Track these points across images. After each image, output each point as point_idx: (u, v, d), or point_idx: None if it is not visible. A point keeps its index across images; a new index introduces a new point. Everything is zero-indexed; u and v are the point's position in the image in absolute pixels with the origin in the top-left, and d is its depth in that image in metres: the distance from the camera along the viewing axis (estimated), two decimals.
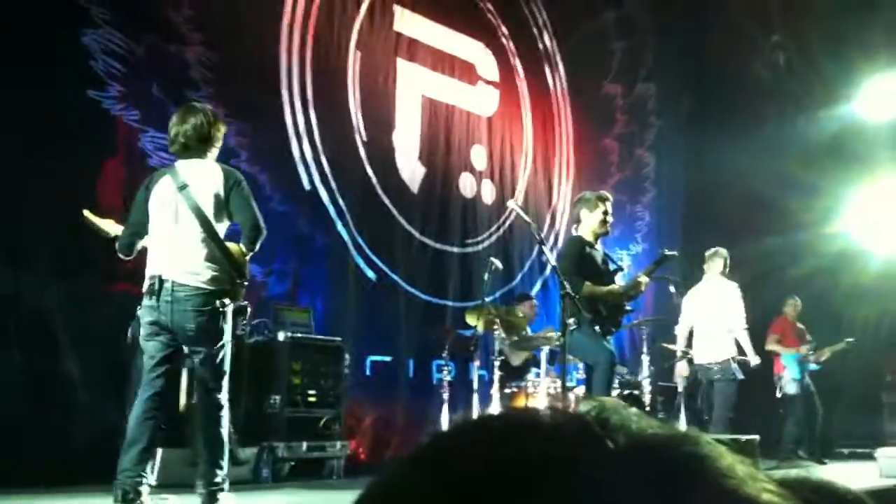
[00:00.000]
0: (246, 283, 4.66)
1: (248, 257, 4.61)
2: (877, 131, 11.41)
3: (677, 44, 12.47)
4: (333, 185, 7.97)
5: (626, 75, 11.85)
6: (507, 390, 7.67)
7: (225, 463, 4.45)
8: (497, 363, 7.69)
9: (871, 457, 8.12)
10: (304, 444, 6.39)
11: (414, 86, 9.03)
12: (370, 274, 8.20)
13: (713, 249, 8.51)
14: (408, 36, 9.03)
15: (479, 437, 0.53)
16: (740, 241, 10.79)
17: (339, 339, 7.08)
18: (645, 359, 8.22)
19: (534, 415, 0.53)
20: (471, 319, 7.67)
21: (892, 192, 11.38)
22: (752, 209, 11.35)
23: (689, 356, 8.46)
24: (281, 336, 6.43)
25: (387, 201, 8.46)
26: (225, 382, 4.51)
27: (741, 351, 8.15)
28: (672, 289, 8.58)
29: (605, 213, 6.35)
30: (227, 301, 4.45)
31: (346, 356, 7.01)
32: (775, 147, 11.36)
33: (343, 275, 7.98)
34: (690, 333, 8.26)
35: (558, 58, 10.84)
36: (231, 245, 4.54)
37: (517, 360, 8.09)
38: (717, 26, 12.03)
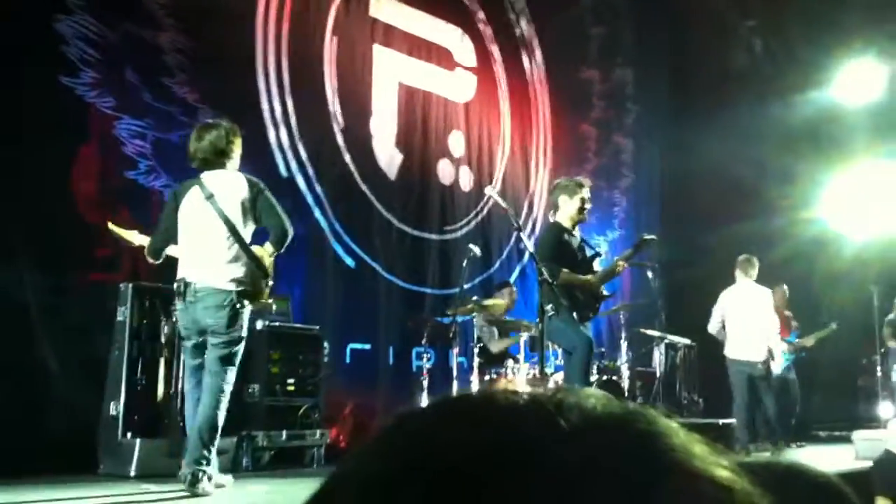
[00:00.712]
0: (271, 283, 5.05)
1: (272, 258, 4.99)
2: (854, 116, 11.47)
3: (655, 29, 12.48)
4: (311, 172, 7.93)
5: (604, 61, 11.84)
6: (487, 377, 7.68)
7: (214, 446, 4.70)
8: (476, 350, 7.70)
9: (847, 439, 8.20)
10: (284, 433, 6.37)
11: (391, 72, 8.98)
12: (348, 261, 8.17)
13: (745, 256, 8.86)
14: (384, 22, 8.97)
15: (435, 420, 0.54)
16: (718, 227, 10.86)
17: (317, 327, 7.06)
18: (623, 344, 8.26)
19: (491, 396, 0.54)
20: (450, 311, 7.67)
21: (868, 176, 11.45)
22: (729, 194, 11.39)
23: (665, 340, 8.60)
24: (259, 325, 6.39)
25: (364, 188, 8.42)
26: (232, 373, 4.82)
27: None
28: (650, 274, 8.62)
29: (584, 199, 6.34)
30: (246, 300, 4.82)
31: (325, 344, 6.99)
32: (753, 132, 11.42)
33: (321, 262, 7.95)
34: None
35: (535, 43, 10.81)
36: (256, 248, 4.91)
37: (496, 347, 8.09)
38: (695, 11, 12.03)
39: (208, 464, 4.63)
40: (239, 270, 4.81)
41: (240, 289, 4.80)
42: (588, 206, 6.41)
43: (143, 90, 6.61)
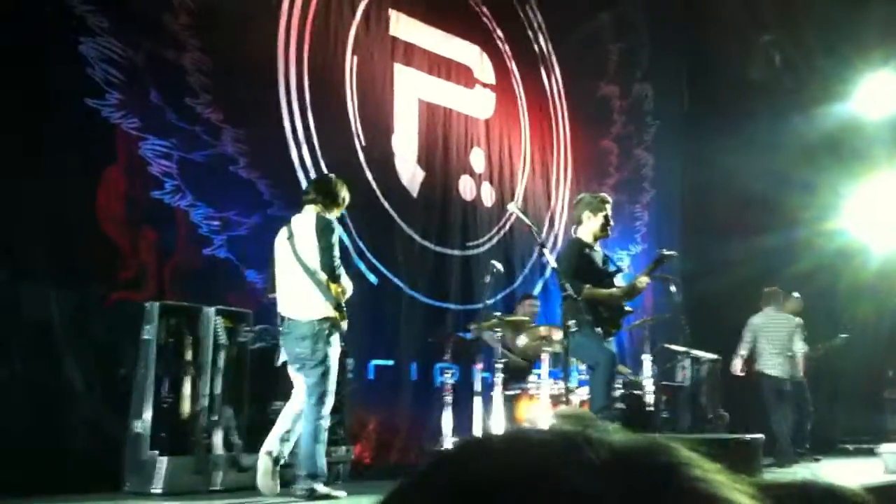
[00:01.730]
0: (342, 310, 5.56)
1: (342, 290, 5.56)
2: (874, 128, 11.43)
3: (673, 43, 12.49)
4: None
5: (623, 76, 11.86)
6: (510, 392, 7.66)
7: (316, 476, 5.32)
8: (500, 366, 7.68)
9: (873, 453, 8.14)
10: None
11: (411, 90, 9.02)
12: (371, 278, 8.19)
13: (772, 288, 9.63)
14: (403, 40, 9.03)
15: (471, 460, 0.57)
16: (739, 239, 10.84)
17: (341, 343, 7.07)
18: (646, 358, 8.22)
19: (522, 435, 0.58)
20: (473, 328, 7.68)
21: (891, 188, 11.40)
22: (750, 207, 11.38)
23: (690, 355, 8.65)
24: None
25: (387, 205, 8.45)
26: (322, 402, 5.38)
27: None
28: (672, 288, 8.59)
29: (607, 216, 6.35)
30: (325, 327, 5.39)
31: (349, 361, 7.00)
32: (773, 145, 11.39)
33: None
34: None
35: (554, 59, 10.84)
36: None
37: (522, 342, 8.04)
38: (714, 25, 12.03)
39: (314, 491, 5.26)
40: (316, 303, 5.40)
41: (320, 317, 5.39)
42: (611, 223, 6.41)
43: (167, 110, 6.67)
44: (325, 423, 5.39)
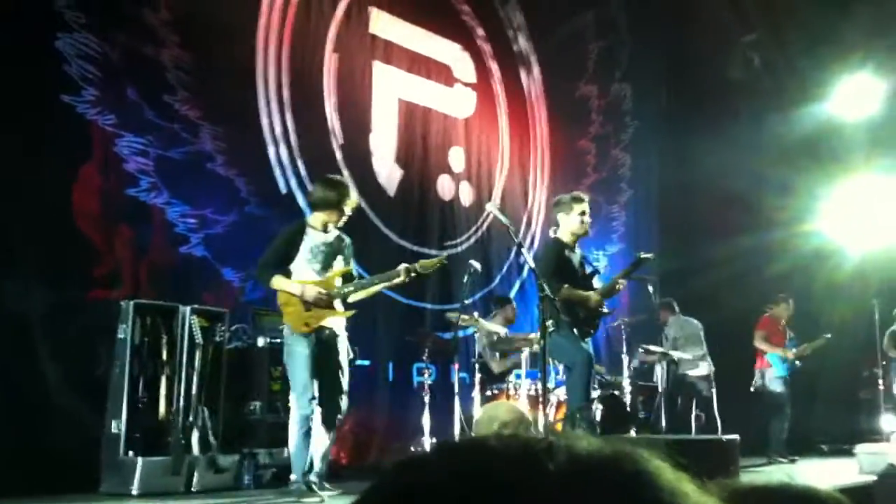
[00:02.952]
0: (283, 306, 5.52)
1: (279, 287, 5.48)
2: (852, 130, 11.51)
3: (653, 44, 12.50)
4: (311, 188, 7.92)
5: (602, 76, 11.87)
6: (489, 393, 7.67)
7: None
8: (478, 366, 7.68)
9: (849, 453, 8.19)
10: (286, 451, 6.33)
11: (390, 88, 8.99)
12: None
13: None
14: (383, 38, 8.99)
15: (430, 467, 0.58)
16: (717, 240, 10.87)
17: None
18: (624, 359, 8.25)
19: (484, 442, 0.58)
20: (452, 316, 7.66)
21: (867, 189, 11.48)
22: (728, 208, 11.42)
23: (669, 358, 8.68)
24: (260, 342, 6.38)
25: (364, 204, 8.40)
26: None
27: None
28: (650, 288, 8.63)
29: (583, 213, 6.35)
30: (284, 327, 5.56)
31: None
32: (751, 146, 11.45)
33: None
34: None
35: (534, 59, 10.84)
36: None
37: (498, 367, 8.06)
38: (693, 26, 12.07)
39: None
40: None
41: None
42: (588, 219, 6.41)
43: (144, 107, 6.62)
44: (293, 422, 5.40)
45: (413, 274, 5.53)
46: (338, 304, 5.52)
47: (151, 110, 6.68)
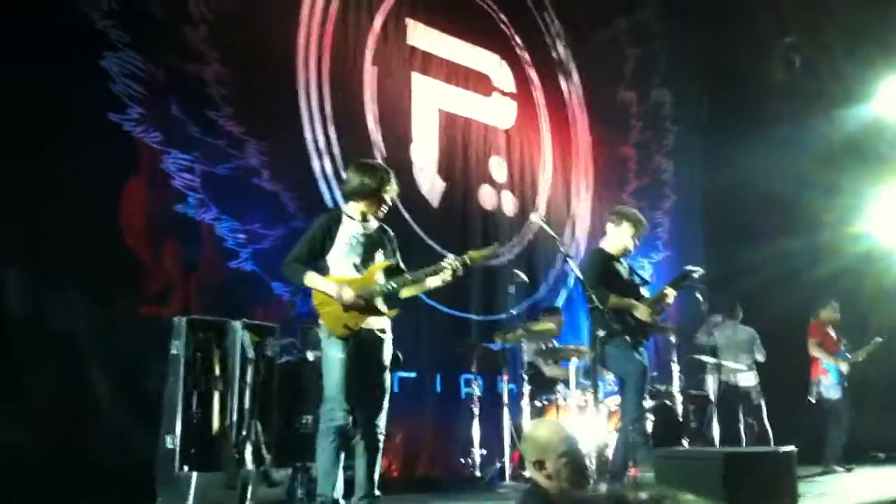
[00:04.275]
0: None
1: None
2: None
3: (692, 48, 12.39)
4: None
5: (641, 81, 11.79)
6: (538, 404, 7.60)
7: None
8: (526, 377, 7.61)
9: None
10: None
11: (430, 99, 8.99)
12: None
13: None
14: (421, 49, 9.00)
15: None
16: (762, 244, 10.73)
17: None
18: (675, 368, 8.14)
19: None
20: (498, 337, 7.62)
21: None
22: (773, 211, 11.28)
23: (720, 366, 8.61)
24: (310, 356, 6.35)
25: (406, 216, 8.39)
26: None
27: None
28: (698, 296, 8.50)
29: (635, 237, 6.28)
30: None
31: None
32: (794, 148, 11.27)
33: None
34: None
35: (572, 66, 10.79)
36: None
37: (550, 372, 8.00)
38: (733, 28, 11.94)
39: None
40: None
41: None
42: (637, 242, 6.36)
43: (189, 124, 6.66)
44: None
45: (464, 265, 4.93)
46: (380, 302, 4.94)
47: (196, 126, 6.72)
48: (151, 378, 5.79)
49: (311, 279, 4.84)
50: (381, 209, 5.07)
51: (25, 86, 5.61)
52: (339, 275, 4.88)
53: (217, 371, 5.65)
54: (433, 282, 5.00)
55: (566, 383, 7.66)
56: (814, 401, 9.31)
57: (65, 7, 6.07)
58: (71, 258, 5.80)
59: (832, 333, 9.56)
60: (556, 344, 8.14)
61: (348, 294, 4.77)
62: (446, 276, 4.94)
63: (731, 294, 10.16)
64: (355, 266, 4.91)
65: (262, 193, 7.11)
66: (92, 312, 5.82)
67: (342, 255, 4.91)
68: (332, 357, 4.80)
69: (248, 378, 5.65)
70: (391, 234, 5.19)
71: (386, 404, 4.95)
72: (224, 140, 6.90)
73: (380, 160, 8.11)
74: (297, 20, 7.77)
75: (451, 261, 4.91)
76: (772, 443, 8.74)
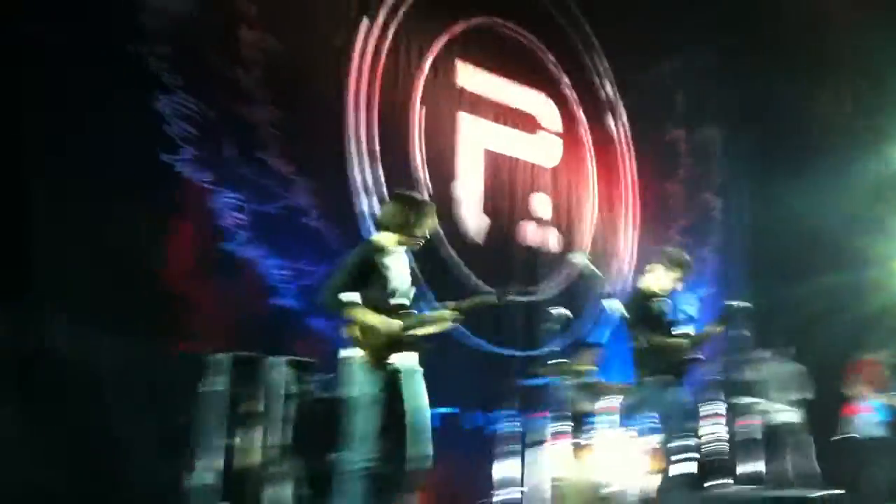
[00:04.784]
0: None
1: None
2: None
3: (741, 86, 12.36)
4: None
5: (690, 119, 11.79)
6: (578, 441, 7.58)
7: None
8: (568, 414, 7.61)
9: None
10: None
11: (477, 138, 9.11)
12: None
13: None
14: (469, 90, 9.13)
15: None
16: (809, 280, 10.63)
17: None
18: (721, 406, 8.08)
19: None
20: (539, 373, 7.63)
21: None
22: (819, 248, 11.14)
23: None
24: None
25: (452, 253, 8.49)
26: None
27: None
28: (746, 333, 8.41)
29: (680, 280, 6.27)
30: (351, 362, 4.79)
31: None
32: (842, 185, 11.16)
33: None
34: None
35: (620, 105, 10.84)
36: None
37: (587, 406, 7.97)
38: (781, 63, 11.90)
39: None
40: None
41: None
42: (681, 286, 6.35)
43: (239, 164, 6.83)
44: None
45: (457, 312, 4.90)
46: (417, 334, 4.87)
47: (246, 166, 6.88)
48: (184, 414, 5.83)
49: (355, 310, 4.69)
50: (417, 241, 5.02)
51: (79, 128, 5.81)
52: (373, 307, 4.74)
53: (257, 407, 5.75)
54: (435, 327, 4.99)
55: (608, 420, 7.63)
56: (851, 436, 9.16)
57: (119, 48, 6.22)
58: (115, 296, 5.87)
59: (885, 373, 9.43)
60: (597, 379, 8.10)
61: (395, 326, 4.71)
62: (444, 326, 5.00)
63: (776, 330, 10.05)
64: (389, 297, 4.81)
65: (308, 231, 7.25)
66: (133, 349, 5.83)
67: (380, 286, 4.79)
68: (367, 393, 4.65)
69: (289, 414, 5.73)
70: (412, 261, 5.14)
71: (430, 448, 4.81)
72: (273, 180, 7.06)
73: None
74: (348, 61, 7.93)
75: (449, 315, 4.94)
76: (820, 482, 8.59)
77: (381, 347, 4.72)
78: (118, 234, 5.94)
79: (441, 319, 4.98)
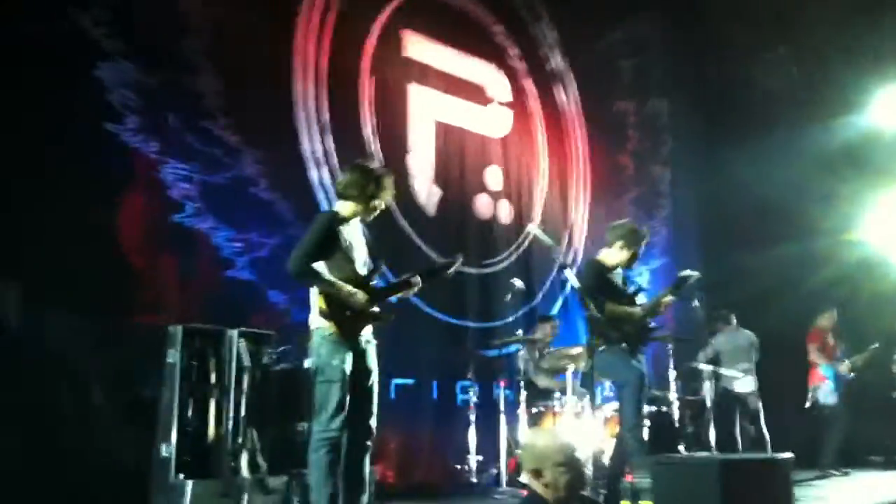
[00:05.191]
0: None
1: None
2: (893, 139, 11.36)
3: (688, 58, 12.46)
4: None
5: (638, 91, 11.86)
6: (534, 410, 7.62)
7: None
8: (522, 383, 7.65)
9: None
10: None
11: (427, 110, 9.04)
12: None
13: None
14: (418, 61, 9.05)
15: None
16: (759, 251, 10.76)
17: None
18: (671, 375, 8.16)
19: None
20: (494, 344, 7.65)
21: None
22: (769, 218, 11.31)
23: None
24: (306, 363, 6.35)
25: (405, 224, 8.43)
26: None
27: None
28: (695, 303, 8.52)
29: (636, 253, 6.27)
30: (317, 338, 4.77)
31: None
32: (790, 156, 11.31)
33: None
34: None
35: (568, 76, 10.84)
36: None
37: (543, 381, 8.01)
38: (728, 38, 12.00)
39: None
40: (314, 309, 4.77)
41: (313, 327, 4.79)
42: (638, 258, 6.35)
43: (186, 134, 6.69)
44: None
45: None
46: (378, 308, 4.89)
47: (193, 136, 6.75)
48: (147, 387, 5.81)
49: (331, 283, 4.67)
50: (374, 211, 5.00)
51: (18, 94, 5.61)
52: (337, 277, 4.72)
53: (213, 379, 5.68)
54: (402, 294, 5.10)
55: (562, 391, 7.67)
56: (809, 406, 9.36)
57: (57, 14, 6.03)
58: (68, 269, 5.75)
59: (831, 340, 9.61)
60: (550, 349, 8.13)
61: (361, 297, 4.71)
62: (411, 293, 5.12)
63: (727, 301, 10.18)
64: (355, 268, 4.82)
65: (259, 203, 7.14)
66: (88, 322, 5.79)
67: (343, 256, 4.80)
68: (338, 366, 4.64)
69: (244, 386, 5.66)
70: (368, 235, 5.09)
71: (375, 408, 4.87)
72: (221, 149, 6.93)
73: None
74: (293, 31, 7.80)
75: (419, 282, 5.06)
76: (769, 448, 8.74)
77: (351, 319, 4.73)
78: (67, 206, 5.77)
79: (406, 287, 5.06)
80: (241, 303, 6.80)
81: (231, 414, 5.64)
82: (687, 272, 6.46)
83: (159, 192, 6.49)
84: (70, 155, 5.89)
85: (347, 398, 4.65)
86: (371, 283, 4.88)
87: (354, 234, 4.92)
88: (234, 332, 5.81)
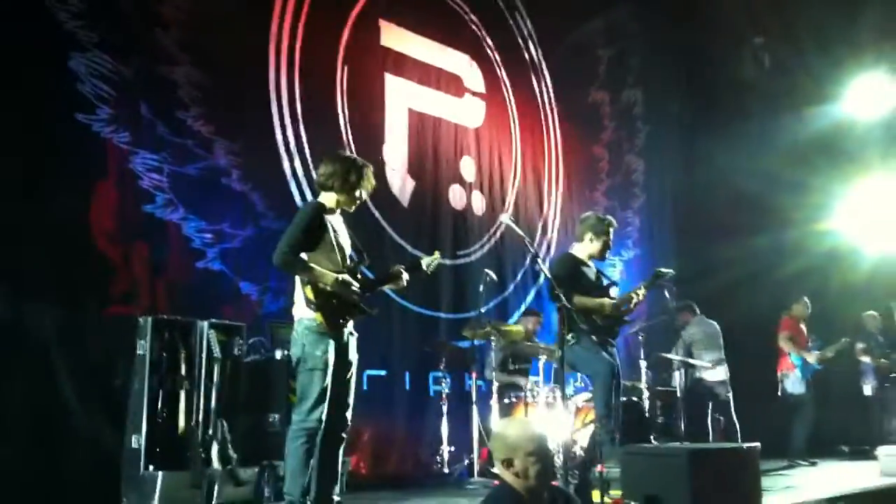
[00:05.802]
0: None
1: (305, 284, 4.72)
2: (866, 129, 11.47)
3: (663, 48, 12.51)
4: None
5: (613, 82, 11.89)
6: (506, 401, 7.66)
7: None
8: (494, 374, 7.69)
9: (871, 455, 8.15)
10: None
11: (401, 100, 9.03)
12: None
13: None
14: (394, 50, 9.03)
15: None
16: (731, 241, 10.85)
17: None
18: (642, 365, 8.23)
19: None
20: (467, 333, 7.67)
21: (883, 189, 11.42)
22: (742, 209, 11.40)
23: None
24: (278, 354, 6.38)
25: (378, 215, 8.42)
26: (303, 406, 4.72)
27: None
28: (667, 294, 8.59)
29: (607, 242, 6.32)
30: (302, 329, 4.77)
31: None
32: (765, 146, 11.43)
33: None
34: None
35: (544, 67, 10.86)
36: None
37: (511, 378, 8.02)
38: (704, 28, 12.06)
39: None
40: (299, 299, 4.79)
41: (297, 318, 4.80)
42: (610, 247, 6.40)
43: (158, 124, 6.66)
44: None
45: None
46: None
47: (165, 127, 6.72)
48: (118, 377, 5.80)
49: (319, 273, 4.65)
50: (357, 202, 5.00)
51: None
52: (325, 268, 4.71)
53: (183, 370, 5.68)
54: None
55: (536, 380, 7.72)
56: (780, 394, 9.46)
57: (32, 6, 6.01)
58: (39, 259, 5.74)
59: (803, 329, 9.71)
60: (528, 343, 8.17)
61: (348, 287, 4.72)
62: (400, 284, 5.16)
63: (701, 290, 10.26)
64: (340, 259, 4.82)
65: (230, 193, 7.12)
66: (59, 313, 5.78)
67: (330, 247, 4.80)
68: (320, 357, 4.66)
69: (215, 377, 5.67)
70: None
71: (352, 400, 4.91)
72: (193, 140, 6.90)
73: None
74: (268, 20, 7.76)
75: (405, 272, 5.13)
76: (739, 438, 8.83)
77: (338, 310, 4.74)
78: (39, 196, 5.76)
79: (397, 278, 5.13)
80: (213, 294, 6.80)
81: (202, 405, 5.66)
82: (663, 269, 6.52)
83: (131, 183, 6.46)
84: (43, 146, 5.86)
85: (329, 389, 4.66)
86: (357, 273, 4.90)
87: (339, 225, 4.95)
88: (205, 324, 5.82)
